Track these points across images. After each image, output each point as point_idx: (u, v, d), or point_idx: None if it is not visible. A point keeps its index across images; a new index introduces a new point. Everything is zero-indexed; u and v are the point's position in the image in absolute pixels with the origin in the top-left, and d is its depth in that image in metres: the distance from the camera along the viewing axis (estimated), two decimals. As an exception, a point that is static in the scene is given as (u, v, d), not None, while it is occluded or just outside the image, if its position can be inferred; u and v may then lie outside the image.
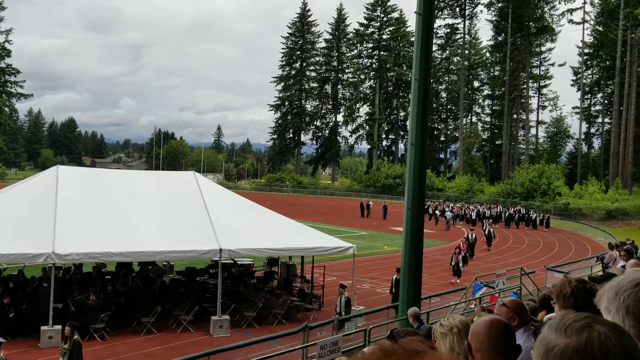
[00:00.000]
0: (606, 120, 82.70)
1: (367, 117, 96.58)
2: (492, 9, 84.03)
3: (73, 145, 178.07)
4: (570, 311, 1.48)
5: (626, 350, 1.22)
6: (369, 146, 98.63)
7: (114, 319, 15.61)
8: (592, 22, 78.59)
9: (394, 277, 17.85)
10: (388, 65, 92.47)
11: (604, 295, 1.56)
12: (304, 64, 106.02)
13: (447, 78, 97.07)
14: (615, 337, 1.23)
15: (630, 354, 1.23)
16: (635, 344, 1.29)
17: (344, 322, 13.91)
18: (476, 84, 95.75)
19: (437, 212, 51.07)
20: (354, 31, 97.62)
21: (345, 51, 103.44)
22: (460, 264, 24.98)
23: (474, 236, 31.97)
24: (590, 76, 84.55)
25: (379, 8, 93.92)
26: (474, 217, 49.34)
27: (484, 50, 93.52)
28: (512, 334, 2.58)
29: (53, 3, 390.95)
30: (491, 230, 36.93)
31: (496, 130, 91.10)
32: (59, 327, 14.51)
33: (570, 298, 3.21)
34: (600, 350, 1.21)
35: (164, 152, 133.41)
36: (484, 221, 44.68)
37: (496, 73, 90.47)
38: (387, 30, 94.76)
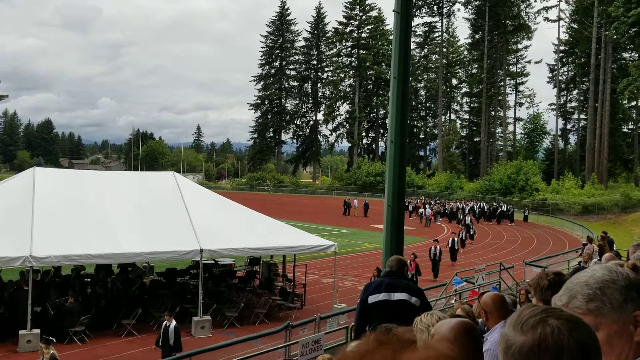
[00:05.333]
0: (582, 116, 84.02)
1: (347, 116, 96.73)
2: (469, 7, 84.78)
3: (50, 147, 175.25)
4: (528, 305, 1.49)
5: (580, 343, 1.23)
6: (350, 144, 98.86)
7: (94, 322, 15.45)
8: (567, 20, 79.80)
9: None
10: (367, 64, 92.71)
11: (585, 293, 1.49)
12: (284, 63, 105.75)
13: (425, 76, 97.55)
14: (568, 330, 1.23)
15: (584, 346, 1.23)
16: (593, 334, 1.28)
17: None
18: (454, 81, 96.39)
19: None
20: (333, 30, 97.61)
21: (324, 50, 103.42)
22: None
23: (438, 249, 24.83)
24: (566, 73, 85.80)
25: (358, 7, 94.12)
26: (468, 221, 41.09)
27: (462, 48, 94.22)
28: (476, 332, 2.59)
29: (31, 2, 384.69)
30: (460, 240, 30.67)
31: (474, 128, 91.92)
32: (37, 331, 14.33)
33: (548, 290, 3.27)
34: (555, 345, 1.21)
35: (142, 153, 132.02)
36: (466, 218, 44.82)
37: (474, 71, 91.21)
38: (365, 28, 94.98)
